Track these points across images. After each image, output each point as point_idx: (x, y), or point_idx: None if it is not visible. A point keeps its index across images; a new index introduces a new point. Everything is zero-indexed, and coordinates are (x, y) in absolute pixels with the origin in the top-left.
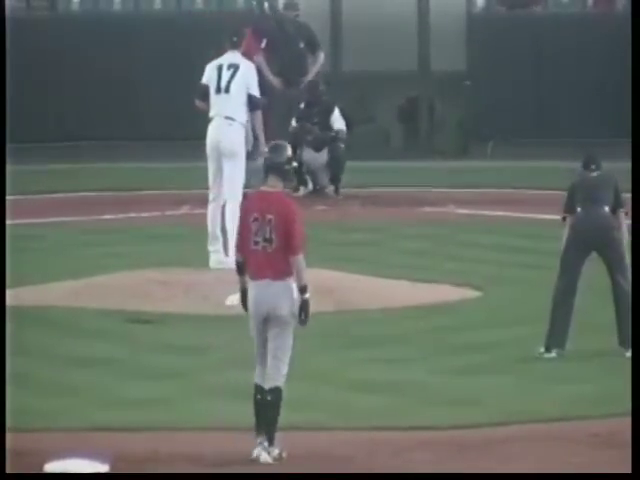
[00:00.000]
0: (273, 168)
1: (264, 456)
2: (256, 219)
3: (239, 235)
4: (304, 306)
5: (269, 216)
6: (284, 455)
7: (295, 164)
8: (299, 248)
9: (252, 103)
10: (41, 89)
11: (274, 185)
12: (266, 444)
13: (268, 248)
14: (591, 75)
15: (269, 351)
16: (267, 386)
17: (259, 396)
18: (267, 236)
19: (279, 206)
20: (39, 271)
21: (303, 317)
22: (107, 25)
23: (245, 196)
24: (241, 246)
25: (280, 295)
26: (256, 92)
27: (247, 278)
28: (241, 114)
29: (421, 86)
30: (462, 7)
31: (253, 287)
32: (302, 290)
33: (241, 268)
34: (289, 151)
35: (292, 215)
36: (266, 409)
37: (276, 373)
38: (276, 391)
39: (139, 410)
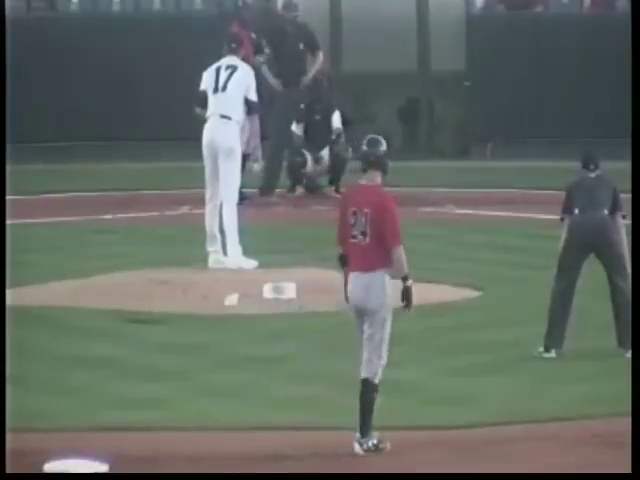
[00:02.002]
0: (372, 161)
1: (356, 447)
2: (354, 213)
3: (339, 229)
4: (407, 293)
5: (365, 209)
6: (381, 446)
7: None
8: (397, 239)
9: (249, 108)
10: (41, 89)
11: (373, 178)
12: (358, 435)
13: (363, 241)
14: (591, 75)
15: (363, 342)
16: (360, 377)
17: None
18: (363, 229)
19: (375, 199)
20: (39, 271)
21: (406, 303)
22: (107, 25)
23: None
24: (342, 240)
25: (370, 287)
26: (254, 97)
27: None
28: (237, 113)
29: (421, 86)
30: (461, 7)
31: (349, 279)
32: (404, 279)
33: (343, 261)
34: (385, 144)
35: (388, 207)
36: (359, 399)
37: (367, 365)
38: (364, 383)
39: (139, 410)
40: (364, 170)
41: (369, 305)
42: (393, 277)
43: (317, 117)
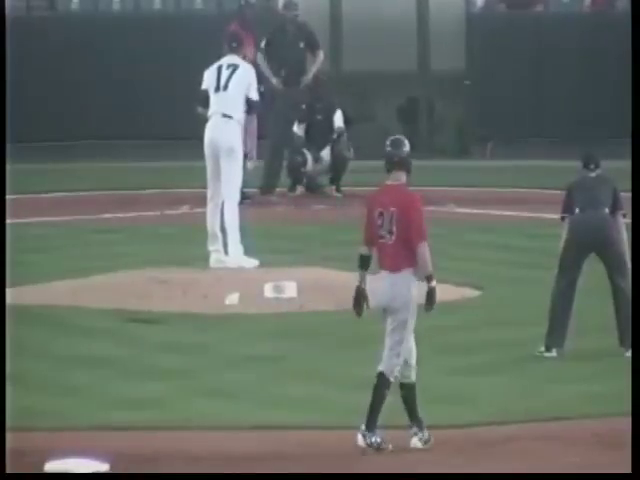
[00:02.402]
0: (396, 162)
1: (359, 439)
2: (381, 213)
3: (366, 230)
4: (431, 294)
5: (392, 208)
6: (384, 446)
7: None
8: (421, 237)
9: (249, 107)
10: (41, 89)
11: (398, 178)
12: (363, 427)
13: (389, 240)
14: (591, 74)
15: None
16: (377, 369)
17: (402, 392)
18: (390, 228)
19: (400, 198)
20: (39, 270)
21: (429, 304)
22: (107, 25)
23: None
24: (367, 240)
25: (394, 287)
26: (255, 95)
27: (366, 275)
28: (239, 112)
29: (421, 86)
30: (461, 7)
31: (379, 278)
32: (428, 279)
33: (363, 262)
34: (408, 144)
35: (413, 206)
36: (372, 392)
37: (386, 360)
38: (379, 376)
39: (139, 410)
40: (388, 171)
41: (392, 304)
42: (418, 277)
43: (319, 117)
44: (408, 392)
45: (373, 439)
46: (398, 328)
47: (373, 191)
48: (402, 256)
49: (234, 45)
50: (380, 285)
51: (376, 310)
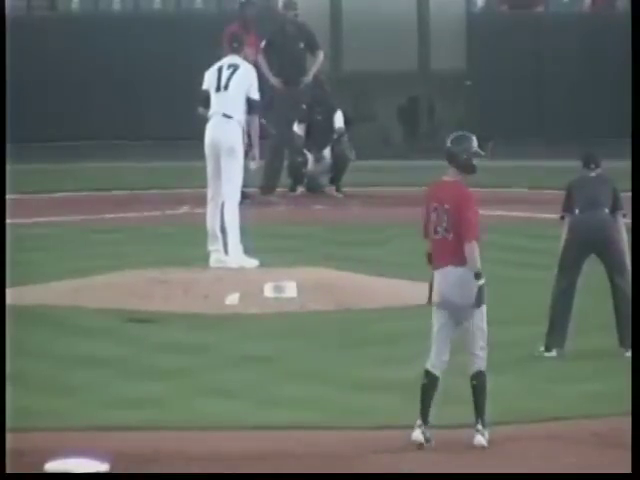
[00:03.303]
0: (451, 159)
1: (478, 439)
2: (435, 209)
3: (424, 226)
4: (480, 291)
5: (446, 205)
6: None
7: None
8: (471, 235)
9: (250, 107)
10: (41, 89)
11: (453, 175)
12: (479, 427)
13: (447, 236)
14: (591, 74)
15: (470, 337)
16: (470, 371)
17: (425, 381)
18: (445, 225)
19: (454, 195)
20: (39, 270)
21: (477, 302)
22: (107, 25)
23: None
24: (427, 236)
25: (461, 283)
26: (256, 96)
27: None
28: (239, 112)
29: (421, 86)
30: (462, 6)
31: (436, 276)
32: (477, 276)
33: (429, 259)
34: (470, 142)
35: (466, 203)
36: (473, 394)
37: (479, 359)
38: (477, 375)
39: (139, 410)
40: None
41: (462, 301)
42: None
43: (319, 117)
44: (431, 383)
45: (486, 433)
46: (481, 319)
47: (430, 186)
48: (462, 252)
49: (235, 45)
50: (440, 282)
51: (440, 306)
